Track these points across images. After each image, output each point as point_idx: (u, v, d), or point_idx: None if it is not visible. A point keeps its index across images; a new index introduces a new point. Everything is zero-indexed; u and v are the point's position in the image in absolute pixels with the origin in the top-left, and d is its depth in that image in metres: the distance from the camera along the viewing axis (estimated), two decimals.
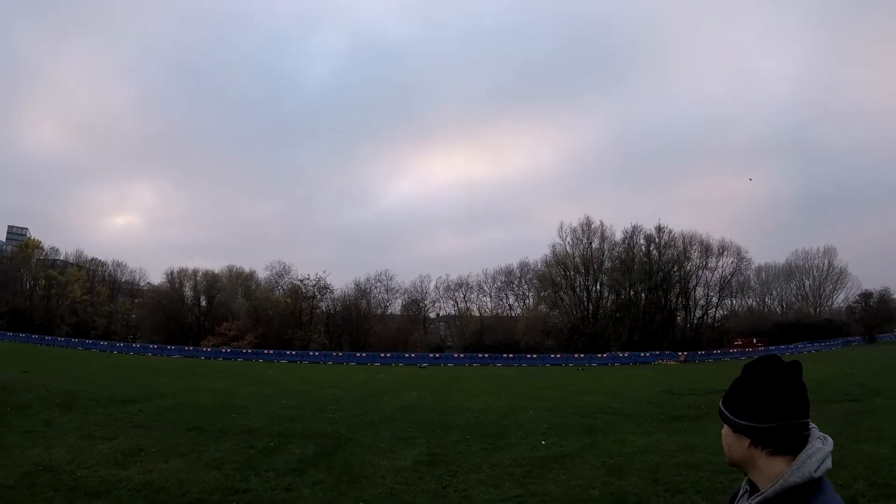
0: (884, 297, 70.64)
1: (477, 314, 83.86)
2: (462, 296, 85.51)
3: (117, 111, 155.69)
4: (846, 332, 67.84)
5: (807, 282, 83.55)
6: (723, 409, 1.68)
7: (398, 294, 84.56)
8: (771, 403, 1.55)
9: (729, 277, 75.34)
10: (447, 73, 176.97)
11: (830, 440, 1.54)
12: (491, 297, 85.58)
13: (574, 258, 74.77)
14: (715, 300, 75.95)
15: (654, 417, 15.07)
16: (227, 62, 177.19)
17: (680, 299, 74.98)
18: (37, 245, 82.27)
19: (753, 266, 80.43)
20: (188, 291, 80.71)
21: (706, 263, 75.21)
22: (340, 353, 62.86)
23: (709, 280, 75.22)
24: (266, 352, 60.97)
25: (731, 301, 78.80)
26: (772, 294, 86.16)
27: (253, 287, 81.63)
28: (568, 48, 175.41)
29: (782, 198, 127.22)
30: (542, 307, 77.37)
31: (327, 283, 77.50)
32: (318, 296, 77.30)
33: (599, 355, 61.14)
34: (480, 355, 61.97)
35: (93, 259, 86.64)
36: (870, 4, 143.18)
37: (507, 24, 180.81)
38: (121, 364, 36.36)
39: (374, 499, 7.45)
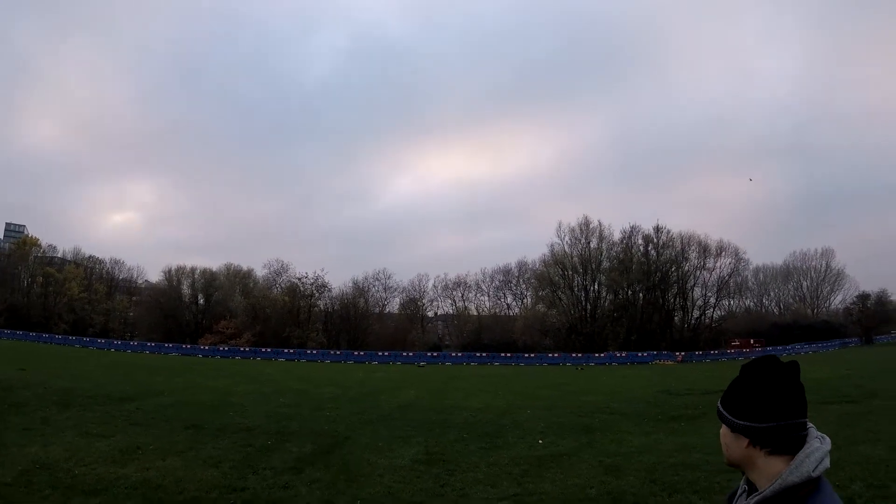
0: (881, 299, 70.83)
1: (475, 313, 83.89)
2: (460, 295, 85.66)
3: (117, 109, 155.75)
4: (843, 334, 67.98)
5: (804, 283, 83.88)
6: (721, 409, 1.69)
7: (396, 293, 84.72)
8: (769, 403, 1.56)
9: (727, 278, 75.46)
10: (447, 72, 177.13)
11: (828, 440, 1.55)
12: (489, 296, 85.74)
13: (572, 258, 74.76)
14: (713, 301, 76.09)
15: (652, 417, 15.10)
16: (227, 61, 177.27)
17: (678, 299, 75.05)
18: (34, 242, 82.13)
19: (751, 267, 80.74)
20: (186, 289, 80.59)
21: (704, 264, 75.34)
22: (338, 352, 62.78)
23: (707, 280, 75.36)
24: (264, 350, 60.85)
25: (729, 302, 78.97)
26: (769, 295, 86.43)
27: (251, 285, 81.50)
28: (568, 48, 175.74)
29: (782, 198, 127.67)
30: (540, 307, 77.38)
31: (325, 281, 77.59)
32: (316, 294, 77.31)
33: (597, 355, 61.15)
34: (478, 354, 62.00)
35: (90, 257, 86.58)
36: (870, 4, 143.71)
37: (507, 24, 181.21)
38: (118, 362, 36.32)
39: (371, 497, 7.46)
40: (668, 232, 75.24)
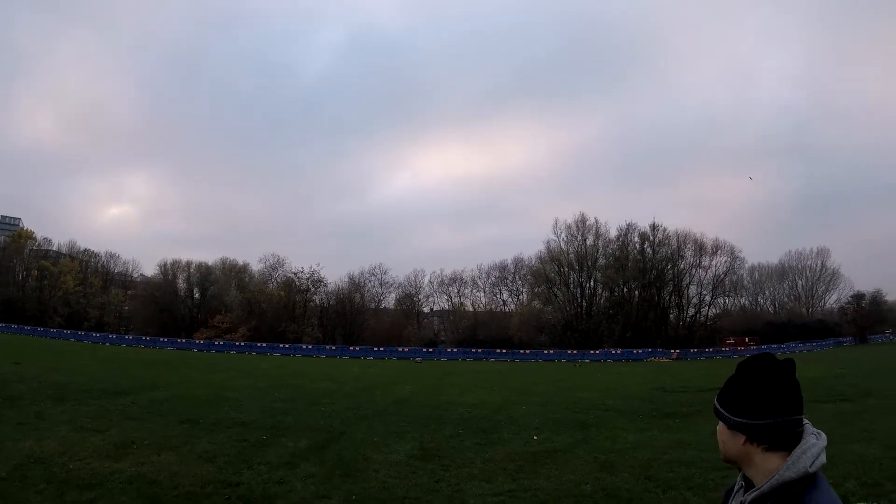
0: (876, 299, 71.26)
1: (471, 309, 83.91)
2: (456, 291, 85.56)
3: (113, 103, 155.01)
4: (838, 333, 68.33)
5: (799, 282, 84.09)
6: (718, 406, 1.70)
7: (392, 288, 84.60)
8: (766, 400, 1.57)
9: (722, 276, 75.81)
10: (446, 69, 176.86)
11: (824, 436, 1.57)
12: (485, 292, 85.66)
13: (568, 254, 74.87)
14: (708, 299, 76.40)
15: (647, 414, 15.15)
16: (225, 55, 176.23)
17: (673, 297, 75.25)
18: (29, 235, 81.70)
19: (747, 265, 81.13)
20: (181, 283, 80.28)
21: (700, 262, 75.64)
22: (334, 347, 62.70)
23: (702, 279, 75.63)
24: (259, 345, 60.75)
25: (724, 300, 79.28)
26: (764, 294, 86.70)
27: (246, 279, 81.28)
28: (568, 48, 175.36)
29: (782, 198, 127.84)
30: (536, 303, 77.49)
31: (321, 276, 77.22)
32: (312, 289, 77.07)
33: (592, 352, 61.31)
34: (474, 350, 62.01)
35: (86, 250, 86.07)
36: (870, 4, 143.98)
37: (508, 23, 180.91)
38: (113, 356, 36.27)
39: (366, 492, 7.46)
40: (665, 230, 75.60)
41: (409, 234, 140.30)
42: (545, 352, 61.81)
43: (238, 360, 43.01)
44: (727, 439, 1.66)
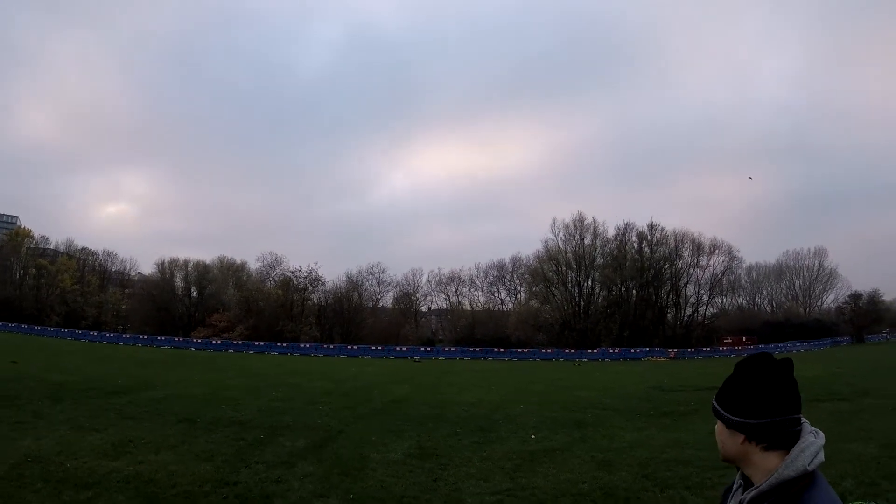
0: (873, 299, 71.45)
1: (468, 308, 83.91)
2: (454, 290, 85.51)
3: (112, 102, 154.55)
4: (835, 333, 68.48)
5: (797, 282, 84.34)
6: (716, 405, 1.71)
7: (390, 287, 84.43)
8: (764, 400, 1.58)
9: (719, 276, 76.01)
10: (445, 68, 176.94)
11: (822, 434, 1.58)
12: (483, 291, 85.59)
13: (566, 254, 74.93)
14: (705, 298, 76.57)
15: (644, 413, 15.18)
16: (223, 52, 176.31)
17: (671, 297, 75.38)
18: (27, 234, 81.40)
19: (744, 265, 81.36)
20: (179, 282, 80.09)
21: (697, 261, 75.85)
22: (331, 346, 62.64)
23: (700, 278, 75.85)
24: (257, 343, 60.66)
25: (722, 299, 79.46)
26: (762, 293, 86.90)
27: (244, 278, 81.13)
28: (567, 47, 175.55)
29: (781, 197, 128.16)
30: (534, 302, 77.50)
31: (319, 275, 77.13)
32: (310, 288, 76.94)
33: (590, 351, 61.34)
34: (471, 349, 61.98)
35: (83, 248, 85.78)
36: (870, 4, 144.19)
37: (507, 23, 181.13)
38: (111, 355, 36.20)
39: (364, 491, 7.46)
40: (662, 229, 75.73)
41: (408, 233, 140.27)
42: (543, 351, 61.83)
43: (236, 359, 42.97)
44: (726, 438, 1.67)
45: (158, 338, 61.65)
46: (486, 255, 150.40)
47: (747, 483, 1.64)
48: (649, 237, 75.63)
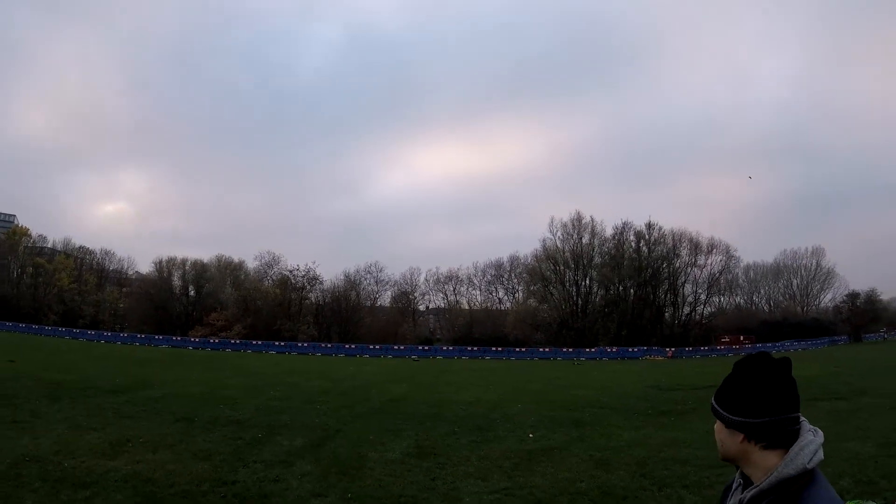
0: (871, 298, 71.57)
1: (466, 307, 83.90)
2: (452, 289, 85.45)
3: (112, 101, 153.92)
4: (833, 332, 68.67)
5: (795, 281, 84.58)
6: (715, 405, 1.71)
7: (388, 286, 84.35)
8: (763, 399, 1.59)
9: (717, 275, 76.00)
10: (445, 68, 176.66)
11: (821, 433, 1.59)
12: (481, 290, 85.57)
13: (564, 253, 74.95)
14: (703, 297, 76.58)
15: (642, 412, 15.20)
16: (223, 52, 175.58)
17: (668, 296, 75.42)
18: (24, 232, 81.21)
19: (742, 264, 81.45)
20: (177, 281, 79.86)
21: (695, 261, 75.84)
22: (329, 345, 62.58)
23: (697, 277, 75.84)
24: (254, 342, 60.54)
25: (719, 298, 79.62)
26: (760, 292, 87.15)
27: (242, 277, 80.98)
28: (567, 47, 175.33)
29: (781, 197, 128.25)
30: (532, 301, 77.51)
31: (317, 274, 77.00)
32: (308, 287, 76.81)
33: (587, 350, 61.37)
34: (469, 348, 61.96)
35: (81, 247, 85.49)
36: (870, 4, 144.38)
37: (507, 22, 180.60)
38: (108, 354, 36.14)
39: (362, 490, 7.47)
40: (660, 228, 75.71)
41: (406, 232, 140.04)
42: (540, 350, 61.84)
43: (233, 357, 42.92)
44: (725, 438, 1.67)
45: (156, 337, 61.53)
46: (485, 254, 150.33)
47: (747, 482, 1.65)
48: (647, 236, 75.71)
